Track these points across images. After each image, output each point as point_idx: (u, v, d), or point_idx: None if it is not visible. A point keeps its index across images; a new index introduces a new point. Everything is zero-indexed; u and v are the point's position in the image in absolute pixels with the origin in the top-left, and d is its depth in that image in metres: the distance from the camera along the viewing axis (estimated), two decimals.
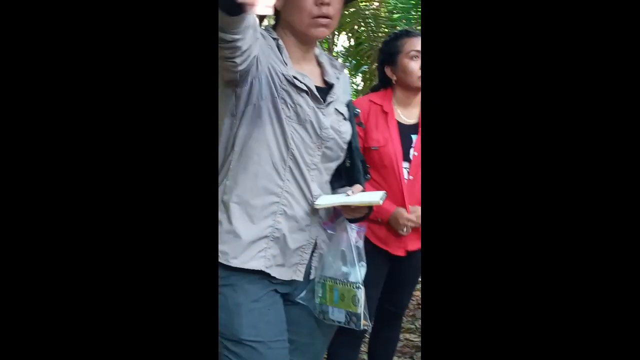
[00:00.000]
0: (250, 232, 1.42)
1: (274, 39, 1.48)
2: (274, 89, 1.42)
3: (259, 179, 1.42)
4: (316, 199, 1.50)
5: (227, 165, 1.44)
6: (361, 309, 1.55)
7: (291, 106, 1.43)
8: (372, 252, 1.95)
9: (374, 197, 1.50)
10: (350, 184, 1.57)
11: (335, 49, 6.52)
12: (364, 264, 1.59)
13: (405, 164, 2.21)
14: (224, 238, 1.41)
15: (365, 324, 1.57)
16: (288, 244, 1.47)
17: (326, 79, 1.59)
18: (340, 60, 6.71)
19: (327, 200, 1.51)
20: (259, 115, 1.41)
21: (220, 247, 1.40)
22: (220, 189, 1.44)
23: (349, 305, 1.55)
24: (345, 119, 1.59)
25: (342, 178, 1.63)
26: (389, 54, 2.28)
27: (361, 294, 1.55)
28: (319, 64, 1.61)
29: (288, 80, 1.44)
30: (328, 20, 1.44)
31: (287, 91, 1.43)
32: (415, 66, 2.18)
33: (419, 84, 2.16)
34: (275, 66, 1.44)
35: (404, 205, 2.20)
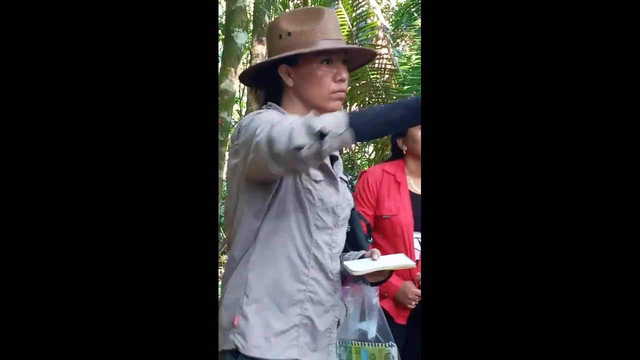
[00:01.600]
0: (281, 322, 1.41)
1: None
2: (297, 178, 1.45)
3: (285, 269, 1.43)
4: (347, 267, 1.51)
5: (248, 257, 1.43)
6: None
7: (315, 193, 1.45)
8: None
9: (407, 260, 1.56)
10: (354, 249, 1.62)
11: None
12: (376, 320, 1.63)
13: (417, 234, 2.21)
14: (254, 331, 1.39)
15: None
16: (317, 328, 1.47)
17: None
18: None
19: (364, 267, 1.53)
20: (284, 207, 1.42)
21: (252, 342, 1.38)
22: (239, 278, 1.43)
23: None
24: (348, 186, 1.62)
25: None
26: None
27: (395, 351, 1.59)
28: None
29: None
30: (344, 94, 1.53)
31: (309, 179, 1.45)
32: None
33: None
34: None
35: (411, 276, 2.20)
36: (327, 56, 1.47)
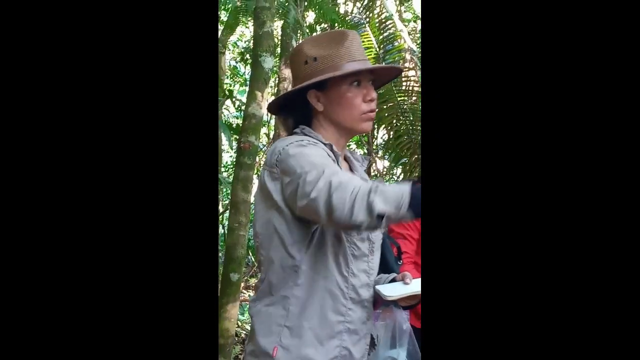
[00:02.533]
0: (321, 356, 1.40)
1: (325, 144, 1.46)
2: None
3: (326, 302, 1.42)
4: (380, 291, 1.49)
5: (290, 289, 1.41)
6: None
7: None
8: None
9: None
10: (384, 272, 1.59)
11: (375, 141, 6.71)
12: (407, 346, 1.61)
13: None
14: None
15: None
16: (354, 357, 1.47)
17: (355, 173, 1.60)
18: (380, 152, 6.88)
19: (397, 291, 1.51)
20: (324, 239, 1.41)
21: None
22: (279, 309, 1.41)
23: None
24: None
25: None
26: None
27: None
28: (346, 159, 1.64)
29: None
30: (374, 114, 1.53)
31: None
32: None
33: None
34: None
35: None
36: (356, 78, 1.47)
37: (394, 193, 1.19)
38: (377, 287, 1.52)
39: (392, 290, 1.51)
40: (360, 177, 1.55)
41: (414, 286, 1.52)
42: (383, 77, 1.61)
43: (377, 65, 1.56)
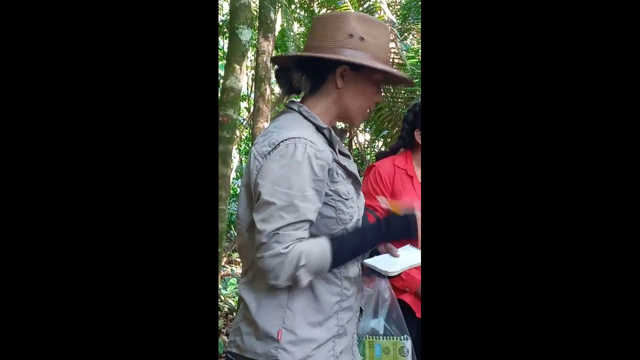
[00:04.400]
0: (322, 336, 1.41)
1: (324, 128, 1.45)
2: (331, 202, 1.41)
3: (322, 285, 1.42)
4: (378, 268, 1.52)
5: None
6: (410, 357, 1.60)
7: (347, 212, 1.43)
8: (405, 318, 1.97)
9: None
10: None
11: None
12: (388, 315, 1.65)
13: None
14: (298, 346, 1.38)
15: None
16: (348, 334, 1.49)
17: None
18: (362, 125, 6.88)
19: (399, 265, 1.53)
20: (318, 227, 1.40)
21: (297, 356, 1.37)
22: (279, 293, 1.39)
23: (395, 357, 1.61)
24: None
25: None
26: None
27: (409, 344, 1.61)
28: None
29: (347, 173, 1.46)
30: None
31: (342, 199, 1.42)
32: None
33: None
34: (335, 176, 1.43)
35: None
36: (383, 77, 1.48)
37: (320, 254, 1.32)
38: (373, 263, 1.53)
39: (392, 266, 1.54)
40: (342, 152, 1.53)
41: (413, 257, 1.55)
42: (391, 81, 1.62)
43: (413, 84, 1.58)
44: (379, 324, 1.67)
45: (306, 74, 1.46)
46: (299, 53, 1.49)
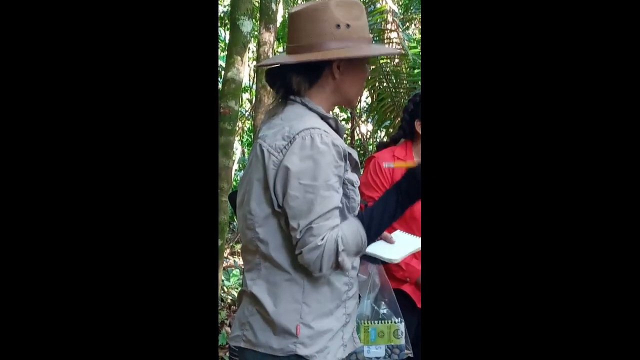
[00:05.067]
0: (334, 326, 1.43)
1: (329, 118, 1.46)
2: (345, 190, 1.43)
3: (335, 274, 1.43)
4: (381, 257, 1.55)
5: (298, 268, 1.40)
6: (404, 340, 1.63)
7: (356, 199, 1.45)
8: (406, 307, 1.97)
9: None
10: None
11: (359, 105, 6.69)
12: (378, 299, 1.69)
13: None
14: (316, 340, 1.39)
15: (408, 352, 1.66)
16: (352, 321, 1.51)
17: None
18: (363, 116, 6.86)
19: (402, 252, 1.56)
20: None
21: (314, 348, 1.38)
22: (294, 287, 1.40)
23: (390, 340, 1.64)
24: None
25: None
26: None
27: (403, 326, 1.64)
28: None
29: (352, 162, 1.46)
30: None
31: (353, 188, 1.44)
32: None
33: None
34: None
35: None
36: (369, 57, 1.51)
37: (355, 239, 1.35)
38: (374, 252, 1.56)
39: (394, 253, 1.57)
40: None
41: (410, 241, 1.57)
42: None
43: (401, 50, 1.58)
44: (366, 306, 1.70)
45: (301, 76, 1.44)
46: (291, 60, 1.44)
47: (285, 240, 1.39)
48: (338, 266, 1.34)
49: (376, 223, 1.39)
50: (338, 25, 1.39)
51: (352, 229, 1.35)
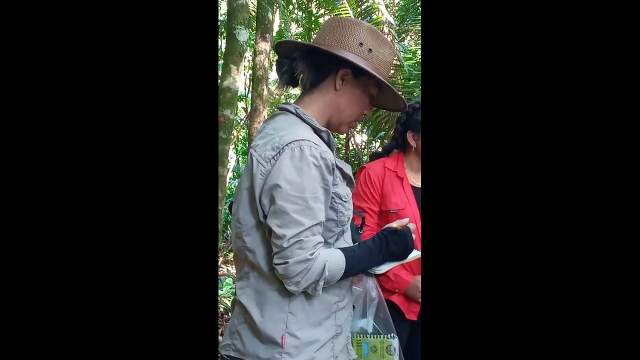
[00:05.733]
0: (322, 337, 1.42)
1: (322, 130, 1.45)
2: (334, 205, 1.43)
3: (326, 289, 1.42)
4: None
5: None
6: (397, 357, 1.61)
7: (346, 214, 1.45)
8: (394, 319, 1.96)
9: (414, 252, 1.60)
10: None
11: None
12: (375, 314, 1.66)
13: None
14: (301, 350, 1.38)
15: None
16: (344, 333, 1.50)
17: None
18: (359, 126, 6.89)
19: (387, 264, 1.54)
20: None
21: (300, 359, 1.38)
22: (279, 296, 1.38)
23: (382, 356, 1.61)
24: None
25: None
26: (417, 120, 2.28)
27: (396, 343, 1.62)
28: None
29: (344, 178, 1.47)
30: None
31: (342, 202, 1.44)
32: None
33: None
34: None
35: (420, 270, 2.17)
36: (377, 92, 1.51)
37: (337, 265, 1.35)
38: None
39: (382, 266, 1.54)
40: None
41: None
42: (383, 103, 1.64)
43: (404, 105, 1.58)
44: (368, 323, 1.69)
45: (310, 67, 1.46)
46: (309, 43, 1.50)
47: (272, 250, 1.38)
48: (313, 288, 1.34)
49: (357, 267, 1.41)
50: (361, 44, 1.44)
51: (337, 262, 1.36)
